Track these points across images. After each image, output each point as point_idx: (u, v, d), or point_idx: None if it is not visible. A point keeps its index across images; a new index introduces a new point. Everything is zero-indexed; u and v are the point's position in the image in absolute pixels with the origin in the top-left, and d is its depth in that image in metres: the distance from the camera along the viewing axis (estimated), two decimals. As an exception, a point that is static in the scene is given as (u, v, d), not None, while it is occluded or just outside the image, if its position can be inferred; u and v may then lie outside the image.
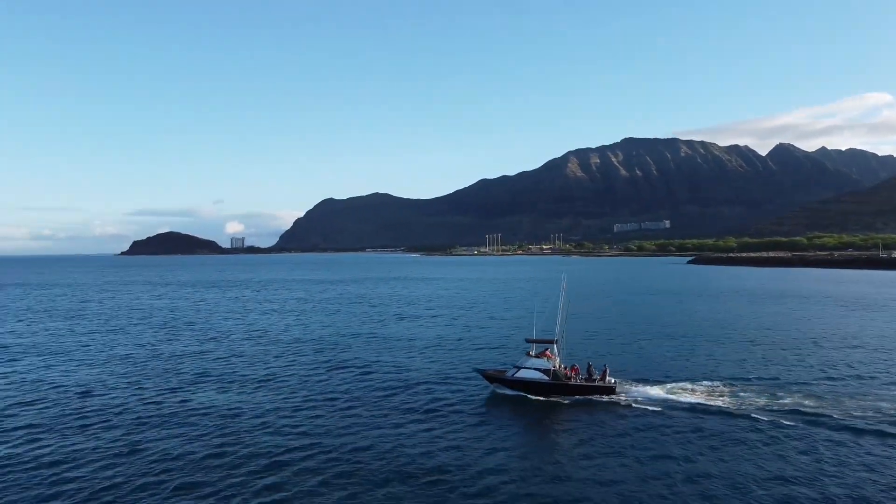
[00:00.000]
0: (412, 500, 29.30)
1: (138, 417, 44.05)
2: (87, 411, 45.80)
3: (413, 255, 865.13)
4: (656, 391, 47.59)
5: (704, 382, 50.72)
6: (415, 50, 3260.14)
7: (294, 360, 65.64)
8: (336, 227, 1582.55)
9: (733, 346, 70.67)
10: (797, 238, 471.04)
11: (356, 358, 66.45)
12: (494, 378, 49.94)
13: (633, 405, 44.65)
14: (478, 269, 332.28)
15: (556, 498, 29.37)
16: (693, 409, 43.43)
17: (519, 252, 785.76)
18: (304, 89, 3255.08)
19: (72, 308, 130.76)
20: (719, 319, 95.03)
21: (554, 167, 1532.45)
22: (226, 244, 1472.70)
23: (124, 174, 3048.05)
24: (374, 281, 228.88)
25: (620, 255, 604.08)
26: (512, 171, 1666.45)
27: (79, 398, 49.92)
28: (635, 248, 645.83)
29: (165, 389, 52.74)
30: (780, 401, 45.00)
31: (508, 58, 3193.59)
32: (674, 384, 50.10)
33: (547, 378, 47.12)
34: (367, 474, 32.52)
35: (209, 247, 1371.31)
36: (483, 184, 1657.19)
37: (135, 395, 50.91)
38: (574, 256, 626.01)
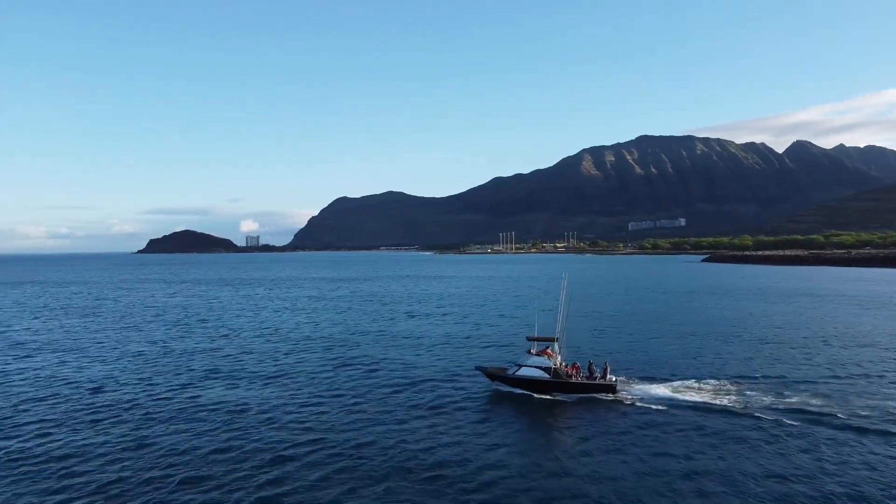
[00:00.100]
0: (412, 495, 29.68)
1: (147, 413, 44.78)
2: (98, 407, 46.60)
3: (427, 253, 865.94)
4: (659, 389, 47.61)
5: (710, 381, 50.62)
6: (429, 49, 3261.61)
7: (303, 358, 66.27)
8: (350, 225, 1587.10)
9: (741, 344, 70.41)
10: (814, 236, 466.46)
11: (364, 355, 66.97)
12: (495, 376, 50.24)
13: (635, 403, 44.76)
14: (490, 268, 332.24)
15: (555, 493, 29.64)
16: (696, 407, 43.45)
17: (533, 250, 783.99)
18: (320, 90, 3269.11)
19: (87, 305, 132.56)
20: (729, 318, 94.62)
21: (568, 165, 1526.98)
22: (241, 242, 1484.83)
23: (141, 173, 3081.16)
24: (386, 279, 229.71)
25: (635, 253, 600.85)
26: (526, 170, 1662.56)
27: (90, 394, 50.78)
28: (650, 246, 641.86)
29: (175, 385, 53.52)
30: (786, 399, 44.86)
31: (523, 56, 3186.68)
32: (677, 382, 50.06)
33: (548, 376, 47.33)
34: (368, 469, 32.97)
35: (224, 245, 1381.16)
36: (497, 182, 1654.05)
37: (145, 391, 51.70)
38: (588, 254, 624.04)
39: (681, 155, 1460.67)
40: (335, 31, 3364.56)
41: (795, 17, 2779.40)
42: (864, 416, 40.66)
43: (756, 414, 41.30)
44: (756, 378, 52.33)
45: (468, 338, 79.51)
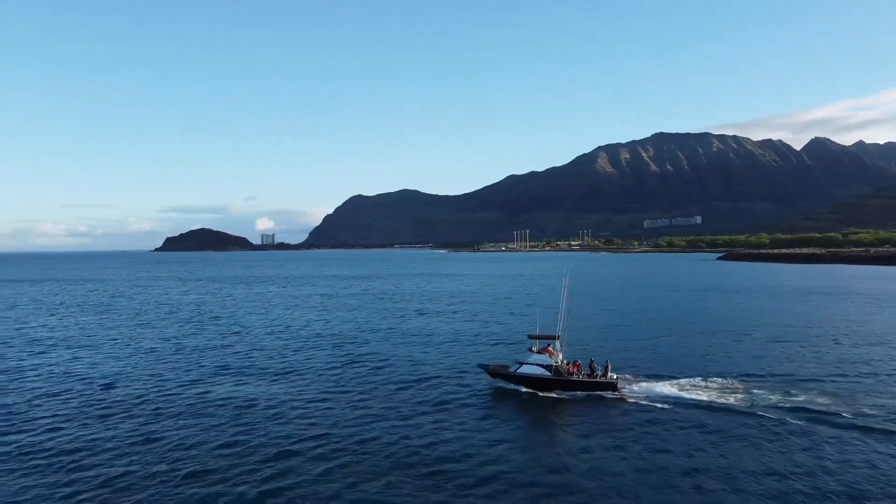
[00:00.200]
0: (412, 489, 30.06)
1: (157, 408, 45.51)
2: (109, 402, 47.41)
3: (441, 251, 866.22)
4: (663, 387, 47.62)
5: (716, 379, 50.48)
6: (444, 49, 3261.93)
7: (312, 355, 66.87)
8: (364, 223, 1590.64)
9: (751, 343, 70.08)
10: (832, 234, 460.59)
11: (373, 352, 67.46)
12: (497, 373, 50.60)
13: (636, 401, 44.85)
14: (504, 266, 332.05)
15: (554, 489, 29.90)
16: (699, 405, 43.46)
17: (547, 248, 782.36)
18: (336, 89, 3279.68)
19: (103, 303, 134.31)
20: (741, 316, 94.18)
21: (583, 163, 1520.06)
22: (256, 241, 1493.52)
23: (158, 172, 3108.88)
24: (398, 277, 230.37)
25: (649, 251, 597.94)
26: (541, 167, 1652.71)
27: (102, 390, 51.64)
28: (665, 244, 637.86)
29: (186, 382, 54.28)
30: (792, 398, 44.68)
31: (539, 54, 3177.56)
32: (683, 380, 50.00)
33: (548, 374, 47.56)
34: (371, 464, 33.41)
35: (240, 243, 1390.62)
36: (511, 180, 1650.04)
37: (156, 386, 52.49)
38: (602, 252, 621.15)
39: (697, 152, 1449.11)
40: (350, 30, 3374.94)
41: (814, 13, 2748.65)
42: (870, 415, 40.45)
43: (760, 412, 41.25)
44: (763, 376, 52.17)
45: (477, 335, 79.81)
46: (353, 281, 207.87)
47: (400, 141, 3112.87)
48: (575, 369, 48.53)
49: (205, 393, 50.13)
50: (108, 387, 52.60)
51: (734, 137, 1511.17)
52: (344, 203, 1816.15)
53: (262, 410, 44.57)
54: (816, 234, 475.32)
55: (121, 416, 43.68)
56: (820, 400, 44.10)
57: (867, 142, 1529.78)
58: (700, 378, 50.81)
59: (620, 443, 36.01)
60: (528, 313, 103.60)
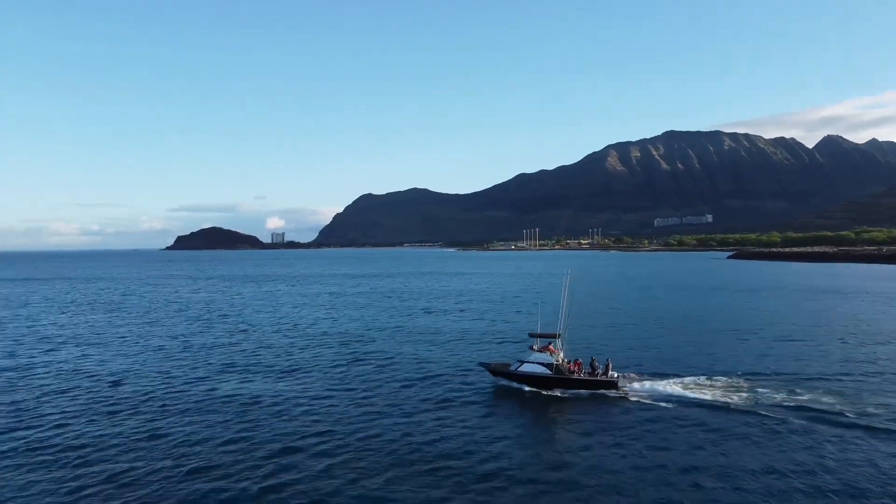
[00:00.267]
0: (412, 485, 30.32)
1: (163, 405, 45.96)
2: (116, 399, 47.93)
3: (450, 249, 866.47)
4: (665, 386, 47.56)
5: (720, 378, 50.31)
6: (452, 48, 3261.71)
7: (318, 353, 67.23)
8: (374, 222, 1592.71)
9: (758, 341, 69.81)
10: (844, 232, 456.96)
11: (379, 351, 67.74)
12: (498, 371, 50.82)
13: (638, 399, 44.86)
14: (512, 265, 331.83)
15: (553, 485, 30.14)
16: (701, 404, 43.37)
17: (557, 247, 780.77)
18: (344, 88, 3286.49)
19: (113, 301, 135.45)
20: (748, 315, 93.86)
21: (593, 161, 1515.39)
22: (266, 239, 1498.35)
23: (169, 171, 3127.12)
24: (407, 275, 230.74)
25: (660, 249, 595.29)
26: (550, 166, 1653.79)
27: (110, 387, 52.17)
28: (675, 242, 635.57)
29: (192, 379, 54.75)
30: (796, 397, 44.51)
31: (547, 51, 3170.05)
32: (687, 379, 49.89)
33: (549, 372, 47.70)
34: (372, 460, 33.71)
35: (250, 242, 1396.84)
36: (521, 178, 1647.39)
37: (163, 384, 52.99)
38: (612, 251, 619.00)
39: (708, 150, 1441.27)
40: (357, 29, 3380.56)
41: (827, 10, 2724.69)
42: (874, 415, 40.25)
43: (763, 411, 41.15)
44: (768, 375, 52.00)
45: (484, 334, 79.98)
46: (362, 279, 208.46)
47: (409, 140, 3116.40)
48: (576, 368, 48.62)
49: (211, 390, 50.56)
50: (116, 384, 53.14)
51: (745, 135, 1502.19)
52: (353, 202, 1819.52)
53: (267, 407, 44.94)
54: (828, 233, 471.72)
55: (128, 412, 44.16)
56: (825, 399, 43.89)
57: (880, 140, 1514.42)
58: (704, 377, 50.68)
59: (621, 441, 36.09)
60: (535, 312, 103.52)
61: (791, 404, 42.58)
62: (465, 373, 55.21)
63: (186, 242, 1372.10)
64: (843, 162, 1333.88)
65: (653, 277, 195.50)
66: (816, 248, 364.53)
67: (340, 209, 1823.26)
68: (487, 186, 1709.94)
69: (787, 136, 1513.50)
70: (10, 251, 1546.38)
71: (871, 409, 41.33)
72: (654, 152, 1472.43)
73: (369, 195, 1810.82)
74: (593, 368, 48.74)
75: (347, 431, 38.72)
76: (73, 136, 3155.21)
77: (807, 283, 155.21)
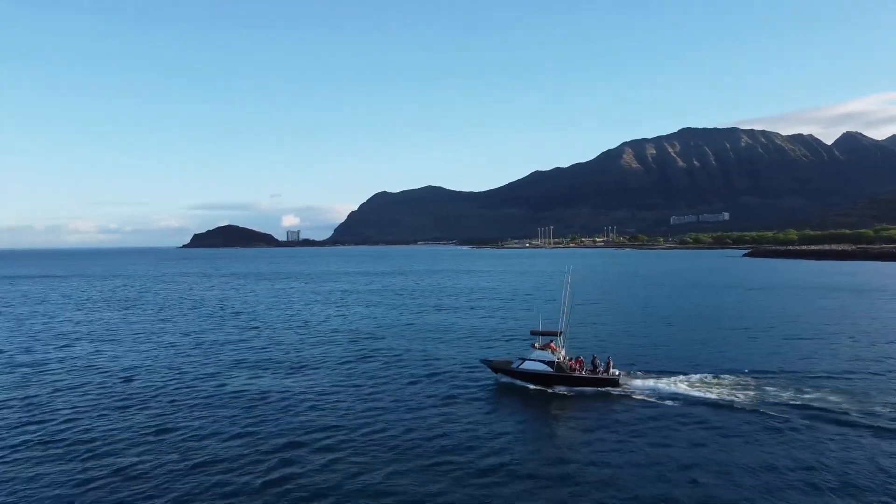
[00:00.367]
0: (413, 478, 30.76)
1: (173, 400, 46.66)
2: (127, 394, 48.73)
3: (464, 247, 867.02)
4: (667, 384, 47.48)
5: (726, 376, 50.09)
6: (468, 45, 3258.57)
7: (327, 349, 67.79)
8: (389, 220, 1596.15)
9: (767, 339, 69.42)
10: (863, 230, 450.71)
11: (387, 348, 68.18)
12: (500, 369, 51.12)
13: (640, 397, 44.88)
14: (526, 262, 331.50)
15: (552, 480, 30.41)
16: (704, 402, 43.29)
17: (571, 245, 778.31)
18: (360, 87, 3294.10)
19: (129, 298, 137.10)
20: (759, 313, 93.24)
21: (608, 159, 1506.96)
22: (282, 237, 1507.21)
23: (186, 170, 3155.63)
24: (420, 273, 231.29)
25: (675, 247, 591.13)
26: (566, 163, 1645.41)
27: (121, 382, 53.02)
28: (691, 240, 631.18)
29: (202, 375, 55.47)
30: (801, 395, 44.27)
31: (562, 48, 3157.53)
32: (690, 377, 49.81)
33: (550, 370, 47.91)
34: (375, 454, 34.18)
35: (266, 240, 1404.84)
36: (536, 176, 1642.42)
37: (174, 379, 53.75)
38: (627, 249, 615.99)
39: (725, 147, 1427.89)
40: (375, 28, 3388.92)
41: (845, 5, 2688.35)
42: (880, 414, 39.90)
43: (767, 409, 41.02)
44: (775, 373, 51.78)
45: (493, 331, 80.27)
46: (374, 277, 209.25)
47: (424, 138, 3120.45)
48: (577, 365, 48.77)
49: (220, 386, 51.24)
50: (128, 379, 53.97)
51: (763, 132, 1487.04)
52: (368, 200, 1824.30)
53: (274, 403, 45.52)
54: (847, 231, 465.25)
55: (137, 407, 44.89)
56: (832, 398, 43.57)
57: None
58: (711, 375, 50.54)
59: (621, 438, 36.23)
60: (545, 308, 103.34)
61: (797, 403, 42.39)
62: (472, 370, 55.48)
63: (203, 240, 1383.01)
64: (862, 158, 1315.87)
65: (665, 275, 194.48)
66: (834, 247, 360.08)
67: (355, 207, 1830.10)
68: (502, 184, 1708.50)
69: (805, 132, 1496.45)
70: (31, 249, 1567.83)
71: (877, 409, 41.05)
72: (670, 149, 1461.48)
73: (384, 193, 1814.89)
74: (595, 366, 48.85)
75: (352, 427, 39.18)
76: (93, 135, 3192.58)
77: (822, 282, 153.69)
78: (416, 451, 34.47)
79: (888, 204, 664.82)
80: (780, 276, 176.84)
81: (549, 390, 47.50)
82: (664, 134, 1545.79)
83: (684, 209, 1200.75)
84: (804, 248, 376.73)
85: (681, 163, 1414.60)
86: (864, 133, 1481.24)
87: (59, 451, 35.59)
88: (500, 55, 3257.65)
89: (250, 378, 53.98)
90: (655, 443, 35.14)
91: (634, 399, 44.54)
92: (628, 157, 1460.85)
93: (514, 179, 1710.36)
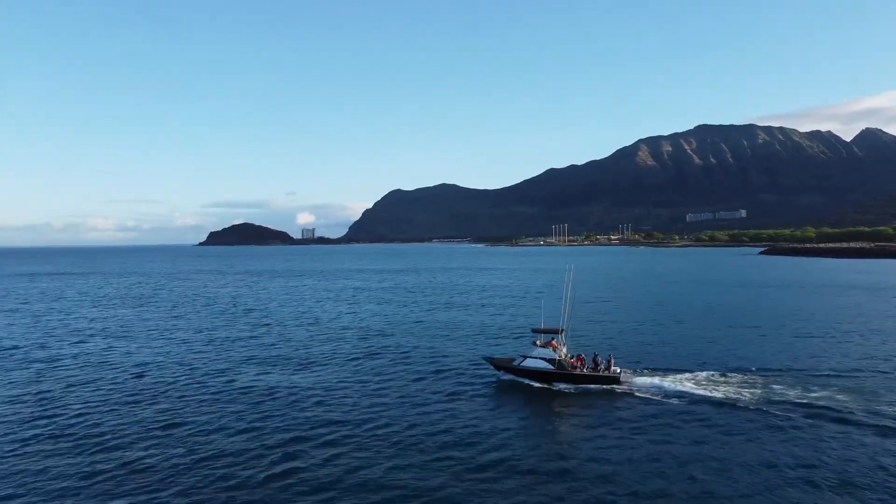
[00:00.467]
0: (412, 473, 31.13)
1: (182, 396, 47.34)
2: (138, 390, 49.50)
3: (478, 245, 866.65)
4: (673, 382, 47.35)
5: (733, 374, 49.92)
6: (480, 45, 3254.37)
7: (337, 346, 68.32)
8: (403, 217, 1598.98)
9: (777, 338, 68.98)
10: (881, 228, 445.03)
11: (396, 345, 68.60)
12: (502, 366, 51.37)
13: (641, 395, 44.87)
14: (539, 260, 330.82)
15: (551, 474, 30.73)
16: (707, 400, 43.15)
17: (586, 243, 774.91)
18: (375, 85, 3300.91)
19: (144, 295, 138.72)
20: (770, 311, 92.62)
21: (624, 156, 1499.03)
22: (297, 235, 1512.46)
23: (203, 168, 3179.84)
24: (433, 271, 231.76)
25: (690, 245, 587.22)
26: (580, 161, 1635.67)
27: (133, 378, 53.83)
28: (707, 238, 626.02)
29: (212, 371, 56.16)
30: (807, 393, 43.99)
31: (576, 45, 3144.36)
32: (697, 375, 49.70)
33: (552, 367, 48.07)
34: (377, 450, 34.60)
35: (281, 237, 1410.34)
36: (551, 173, 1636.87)
37: (184, 375, 54.48)
38: (642, 247, 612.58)
39: (742, 144, 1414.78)
40: (387, 28, 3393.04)
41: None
42: (887, 414, 39.52)
43: (772, 408, 40.82)
44: (783, 371, 51.55)
45: (502, 329, 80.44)
46: (387, 275, 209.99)
47: (438, 136, 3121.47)
48: (578, 363, 48.91)
49: (230, 381, 51.88)
50: (139, 375, 54.76)
51: (780, 129, 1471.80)
52: (383, 197, 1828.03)
53: (281, 398, 46.06)
54: (865, 228, 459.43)
55: (147, 402, 45.60)
56: (839, 396, 43.21)
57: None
58: (718, 372, 50.36)
59: (622, 435, 36.34)
60: (556, 306, 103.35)
61: (803, 401, 42.14)
62: (477, 367, 55.72)
63: (219, 238, 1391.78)
64: (882, 155, 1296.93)
65: (678, 273, 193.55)
66: (852, 244, 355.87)
67: (370, 205, 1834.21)
68: (517, 182, 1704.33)
69: (824, 129, 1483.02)
70: (49, 246, 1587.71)
71: (883, 408, 40.67)
72: (686, 146, 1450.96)
73: (398, 191, 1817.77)
74: (596, 364, 48.93)
75: (356, 422, 39.62)
76: (111, 134, 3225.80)
77: (838, 280, 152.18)
78: (417, 447, 34.83)
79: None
80: (796, 274, 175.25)
81: (551, 387, 47.69)
82: (680, 131, 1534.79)
83: (700, 206, 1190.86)
84: (821, 245, 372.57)
85: (697, 160, 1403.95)
86: (885, 129, 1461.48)
87: (69, 444, 36.29)
88: (515, 54, 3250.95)
89: (259, 374, 54.59)
90: (656, 440, 35.22)
91: (638, 397, 44.57)
92: (644, 155, 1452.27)
93: (528, 177, 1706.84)
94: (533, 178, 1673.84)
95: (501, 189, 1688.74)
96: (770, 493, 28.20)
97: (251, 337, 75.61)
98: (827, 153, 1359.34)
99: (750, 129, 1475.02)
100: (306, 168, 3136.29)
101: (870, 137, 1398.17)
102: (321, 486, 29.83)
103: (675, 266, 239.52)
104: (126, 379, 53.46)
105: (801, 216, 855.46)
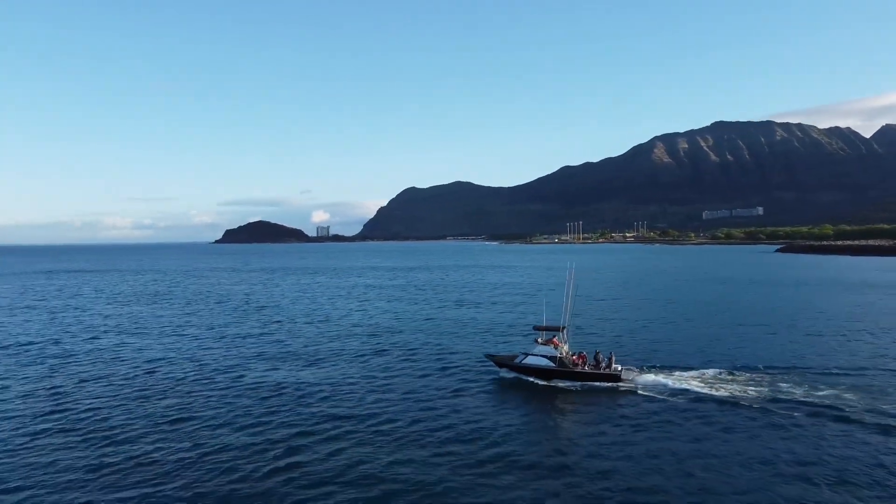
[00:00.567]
0: (412, 468, 31.52)
1: (191, 391, 48.01)
2: (148, 385, 50.28)
3: (492, 243, 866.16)
4: (678, 379, 47.30)
5: (740, 372, 49.73)
6: (493, 44, 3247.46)
7: (345, 343, 68.83)
8: (418, 215, 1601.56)
9: (787, 336, 68.52)
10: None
11: (404, 342, 69.00)
12: (503, 363, 51.60)
13: (645, 393, 44.85)
14: (553, 258, 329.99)
15: (550, 469, 31.02)
16: (711, 398, 43.03)
17: (601, 240, 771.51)
18: (388, 84, 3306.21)
19: (158, 292, 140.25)
20: (782, 309, 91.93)
21: (639, 153, 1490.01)
22: (311, 232, 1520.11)
23: (219, 166, 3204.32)
24: (446, 268, 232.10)
25: (706, 243, 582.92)
26: (595, 158, 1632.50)
27: (144, 373, 54.62)
28: (723, 235, 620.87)
29: (222, 367, 56.82)
30: (814, 392, 43.71)
31: (591, 41, 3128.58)
32: (704, 372, 49.64)
33: (552, 364, 48.24)
34: (379, 445, 35.06)
35: (296, 235, 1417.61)
36: (566, 171, 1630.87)
37: (194, 371, 55.21)
38: (657, 244, 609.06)
39: (759, 141, 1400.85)
40: (402, 27, 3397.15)
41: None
42: (889, 413, 39.08)
43: (776, 406, 40.68)
44: (790, 369, 51.22)
45: (511, 326, 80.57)
46: (400, 272, 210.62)
47: (453, 134, 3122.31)
48: (580, 361, 49.02)
49: (238, 378, 52.49)
50: (150, 371, 55.54)
51: (799, 125, 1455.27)
52: (397, 195, 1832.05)
53: (288, 394, 46.61)
54: (885, 226, 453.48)
55: (157, 397, 46.29)
56: (846, 395, 42.83)
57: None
58: (725, 371, 50.18)
59: (622, 432, 36.44)
60: (560, 304, 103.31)
61: (808, 399, 41.92)
62: (483, 364, 55.83)
63: (234, 236, 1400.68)
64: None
65: (691, 271, 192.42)
66: (871, 242, 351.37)
67: (384, 202, 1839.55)
68: (532, 179, 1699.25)
69: (843, 125, 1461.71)
70: (68, 244, 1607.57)
71: (889, 407, 40.28)
72: (703, 143, 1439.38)
73: (413, 188, 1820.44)
74: (598, 361, 49.02)
75: (360, 417, 40.08)
76: (129, 132, 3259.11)
77: (855, 278, 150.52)
78: (419, 442, 35.20)
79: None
80: (812, 272, 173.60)
81: (554, 384, 47.89)
82: (697, 128, 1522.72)
83: (717, 204, 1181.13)
84: (839, 243, 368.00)
85: (713, 157, 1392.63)
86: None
87: (78, 438, 37.00)
88: (530, 52, 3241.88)
89: (267, 370, 55.19)
90: (656, 437, 35.31)
91: (641, 394, 44.60)
92: (660, 152, 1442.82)
93: (543, 174, 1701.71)
94: (548, 175, 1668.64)
95: (516, 186, 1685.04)
96: (766, 489, 28.23)
97: (261, 334, 76.34)
98: (846, 150, 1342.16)
99: (768, 125, 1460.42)
100: (321, 166, 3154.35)
101: (890, 134, 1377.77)
102: (322, 479, 30.28)
103: (688, 264, 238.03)
104: (137, 375, 54.27)
105: (819, 214, 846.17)
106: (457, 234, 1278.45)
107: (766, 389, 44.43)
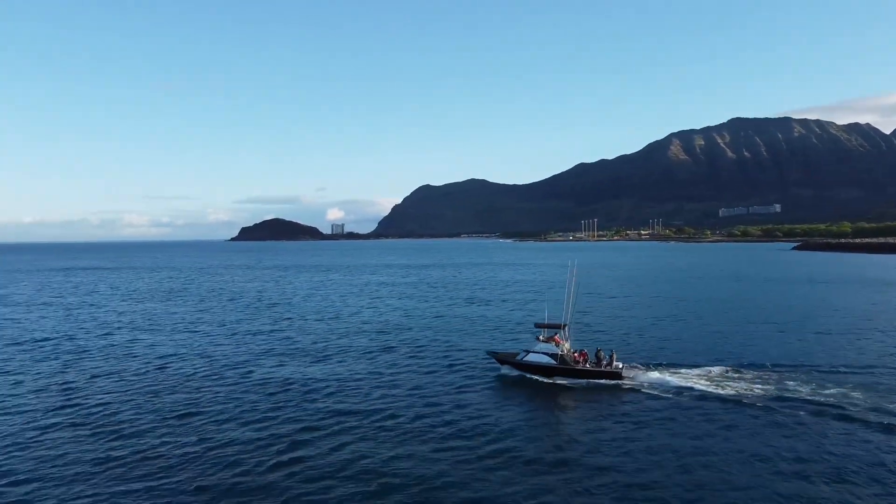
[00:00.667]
0: (414, 462, 31.88)
1: (200, 387, 48.66)
2: (158, 381, 51.02)
3: (507, 240, 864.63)
4: (681, 378, 47.14)
5: (747, 370, 49.64)
6: (504, 42, 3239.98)
7: (354, 340, 69.32)
8: (432, 213, 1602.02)
9: (797, 334, 68.14)
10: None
11: (413, 339, 69.38)
12: (505, 360, 51.81)
13: (648, 390, 44.86)
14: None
15: (550, 465, 31.26)
16: (715, 395, 42.92)
17: (616, 238, 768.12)
18: (405, 81, 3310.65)
19: (173, 289, 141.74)
20: (795, 307, 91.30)
21: (655, 150, 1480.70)
22: (326, 230, 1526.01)
23: (235, 165, 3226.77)
24: (458, 266, 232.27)
25: (722, 240, 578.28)
26: (611, 155, 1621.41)
27: (155, 369, 55.38)
28: (739, 233, 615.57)
29: (231, 363, 57.48)
30: (820, 390, 43.50)
31: (607, 38, 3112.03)
32: (711, 370, 49.55)
33: (554, 362, 48.36)
34: (382, 440, 35.54)
35: (311, 233, 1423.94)
36: (581, 168, 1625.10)
37: (204, 367, 55.91)
38: (672, 242, 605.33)
39: (777, 138, 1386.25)
40: (416, 27, 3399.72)
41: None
42: (893, 412, 38.89)
43: (780, 404, 40.56)
44: (798, 367, 51.00)
45: (520, 323, 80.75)
46: (412, 270, 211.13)
47: (467, 131, 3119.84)
48: (581, 358, 49.07)
49: (247, 373, 53.12)
50: (160, 367, 56.30)
51: (817, 122, 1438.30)
52: (412, 193, 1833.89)
53: (295, 390, 47.14)
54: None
55: (166, 393, 46.97)
56: (853, 394, 42.56)
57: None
58: (731, 369, 50.09)
59: (624, 429, 36.57)
60: (576, 303, 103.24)
61: (813, 397, 41.71)
62: (489, 361, 56.04)
63: (250, 234, 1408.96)
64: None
65: (705, 268, 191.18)
66: (890, 239, 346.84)
67: (399, 200, 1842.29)
68: (546, 177, 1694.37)
69: (862, 121, 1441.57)
70: (85, 242, 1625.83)
71: (894, 406, 40.06)
72: (720, 140, 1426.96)
73: (427, 186, 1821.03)
74: (599, 359, 49.07)
75: (365, 413, 40.50)
76: (147, 131, 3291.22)
77: (871, 276, 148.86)
78: (421, 438, 35.55)
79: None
80: (827, 270, 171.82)
81: (555, 382, 48.05)
82: (713, 124, 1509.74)
83: (734, 201, 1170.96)
84: (858, 241, 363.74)
85: (730, 154, 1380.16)
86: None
87: (87, 432, 37.68)
88: (546, 50, 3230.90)
89: (276, 366, 55.76)
90: (657, 434, 35.39)
91: (644, 392, 44.62)
92: (676, 149, 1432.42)
93: (558, 172, 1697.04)
94: (562, 172, 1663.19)
95: (531, 184, 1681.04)
96: (764, 487, 28.26)
97: (272, 330, 77.01)
98: (865, 146, 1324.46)
99: (785, 122, 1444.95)
100: (336, 164, 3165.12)
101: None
102: (325, 473, 30.69)
103: (703, 261, 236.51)
104: (147, 370, 55.04)
105: (837, 211, 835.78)
106: (471, 232, 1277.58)
107: (772, 387, 44.23)
